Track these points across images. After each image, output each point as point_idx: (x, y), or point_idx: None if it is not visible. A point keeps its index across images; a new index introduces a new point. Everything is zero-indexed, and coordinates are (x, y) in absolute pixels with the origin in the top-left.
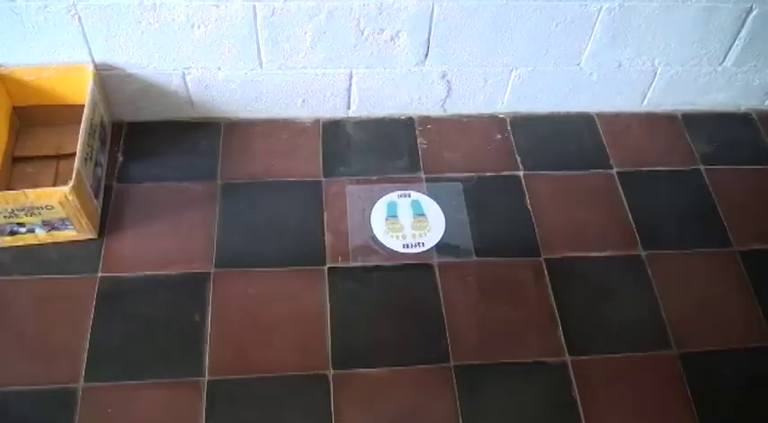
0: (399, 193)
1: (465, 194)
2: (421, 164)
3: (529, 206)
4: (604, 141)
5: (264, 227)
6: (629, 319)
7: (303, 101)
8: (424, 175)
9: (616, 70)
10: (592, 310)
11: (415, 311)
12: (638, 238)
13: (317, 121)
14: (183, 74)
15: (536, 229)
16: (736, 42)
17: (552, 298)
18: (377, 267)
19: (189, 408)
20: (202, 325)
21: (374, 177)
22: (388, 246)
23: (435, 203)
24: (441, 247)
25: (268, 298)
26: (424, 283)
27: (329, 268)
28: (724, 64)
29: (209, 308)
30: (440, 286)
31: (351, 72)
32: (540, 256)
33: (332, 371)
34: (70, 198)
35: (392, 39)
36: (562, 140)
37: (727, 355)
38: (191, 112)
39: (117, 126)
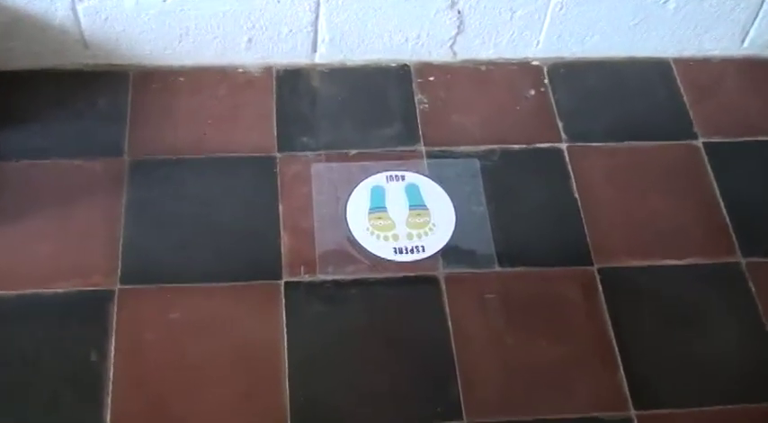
0: (389, 174)
1: (483, 176)
2: (420, 132)
3: (575, 193)
4: (685, 99)
5: (193, 224)
6: (724, 355)
7: (249, 41)
8: (424, 149)
9: None
10: (667, 342)
11: (411, 346)
12: (734, 239)
13: (268, 71)
14: (73, 1)
15: (585, 226)
16: None
17: (609, 325)
18: (356, 282)
19: None
20: (102, 367)
21: (352, 152)
22: (372, 251)
23: (441, 189)
24: (449, 253)
25: (199, 327)
26: (425, 304)
27: (287, 284)
28: None
29: (112, 342)
30: (447, 309)
31: None
32: (591, 264)
33: None
34: None
35: None
36: (623, 98)
37: None
38: (84, 56)
39: None
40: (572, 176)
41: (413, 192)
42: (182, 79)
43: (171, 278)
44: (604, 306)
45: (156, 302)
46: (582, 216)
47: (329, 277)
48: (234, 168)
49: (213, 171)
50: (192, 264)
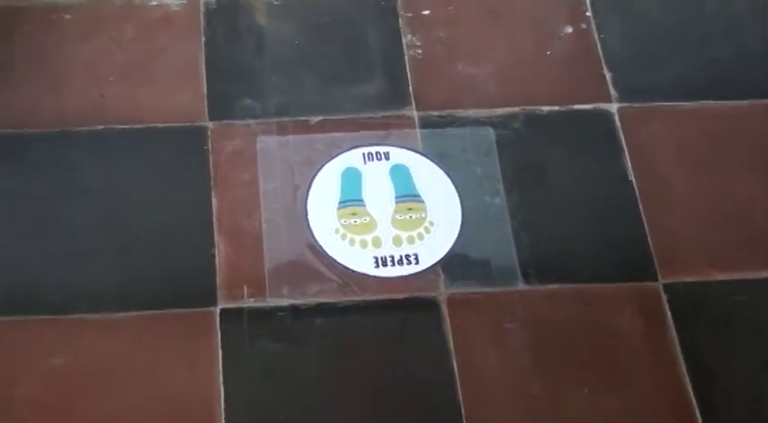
0: (367, 150)
1: (501, 152)
2: (410, 90)
3: (630, 175)
4: None
5: (88, 227)
6: None
7: None
8: (416, 114)
9: None
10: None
11: (401, 397)
12: None
13: (194, 2)
14: None
15: (646, 223)
16: None
17: (683, 367)
18: (322, 308)
19: None
20: None
21: (315, 119)
22: (344, 263)
23: (441, 172)
24: (452, 265)
25: (95, 377)
26: (420, 337)
27: (224, 311)
28: None
29: None
30: (451, 345)
31: None
32: (655, 279)
33: None
34: None
35: None
36: (699, 39)
37: None
38: None
39: None
40: (626, 151)
41: (401, 176)
42: (68, 17)
43: (54, 307)
44: (675, 338)
45: (32, 342)
46: (640, 208)
47: (284, 302)
48: (146, 145)
49: (116, 149)
50: (86, 285)
